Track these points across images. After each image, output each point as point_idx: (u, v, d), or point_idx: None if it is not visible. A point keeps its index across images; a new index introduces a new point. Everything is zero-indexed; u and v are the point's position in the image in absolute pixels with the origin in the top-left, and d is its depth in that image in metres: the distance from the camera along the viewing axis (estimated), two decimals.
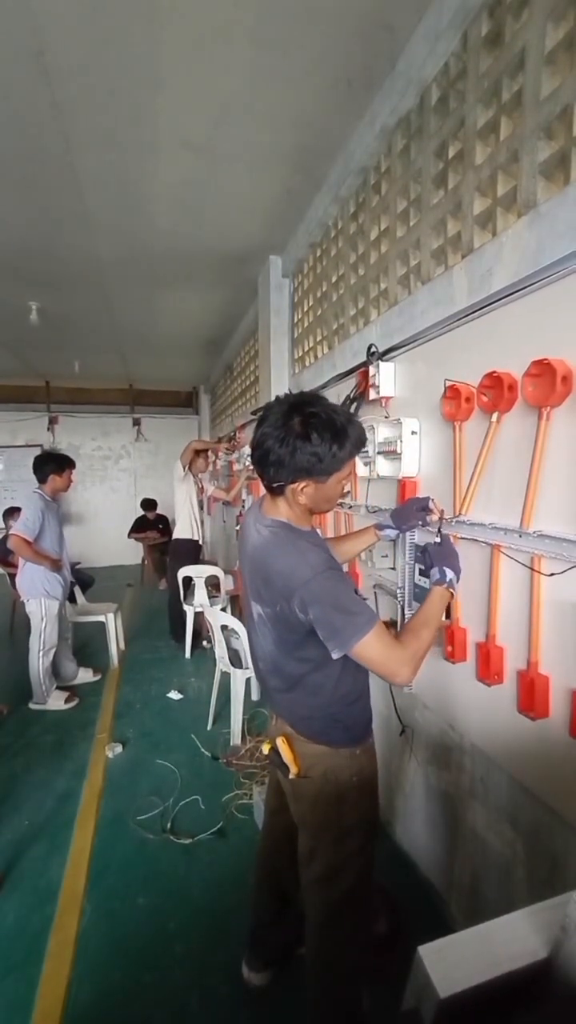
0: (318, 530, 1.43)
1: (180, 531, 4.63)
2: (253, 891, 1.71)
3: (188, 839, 2.28)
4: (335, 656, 1.16)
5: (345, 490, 1.34)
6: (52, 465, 3.57)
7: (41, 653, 3.48)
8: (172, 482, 4.69)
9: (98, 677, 3.98)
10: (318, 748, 1.33)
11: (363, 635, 1.13)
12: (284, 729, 1.39)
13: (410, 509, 1.64)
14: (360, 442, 1.26)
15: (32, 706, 3.53)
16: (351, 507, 2.47)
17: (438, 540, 1.52)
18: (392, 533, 1.66)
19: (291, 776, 1.34)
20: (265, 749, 1.43)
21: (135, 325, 5.16)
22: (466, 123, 1.62)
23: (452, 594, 1.40)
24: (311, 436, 1.16)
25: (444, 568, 1.41)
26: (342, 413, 1.23)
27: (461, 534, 1.63)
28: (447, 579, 1.40)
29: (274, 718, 1.47)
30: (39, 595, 3.47)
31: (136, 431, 8.79)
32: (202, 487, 4.80)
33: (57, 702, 3.54)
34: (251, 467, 4.23)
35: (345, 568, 1.57)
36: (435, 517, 1.60)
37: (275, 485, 1.24)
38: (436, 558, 1.44)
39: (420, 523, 1.64)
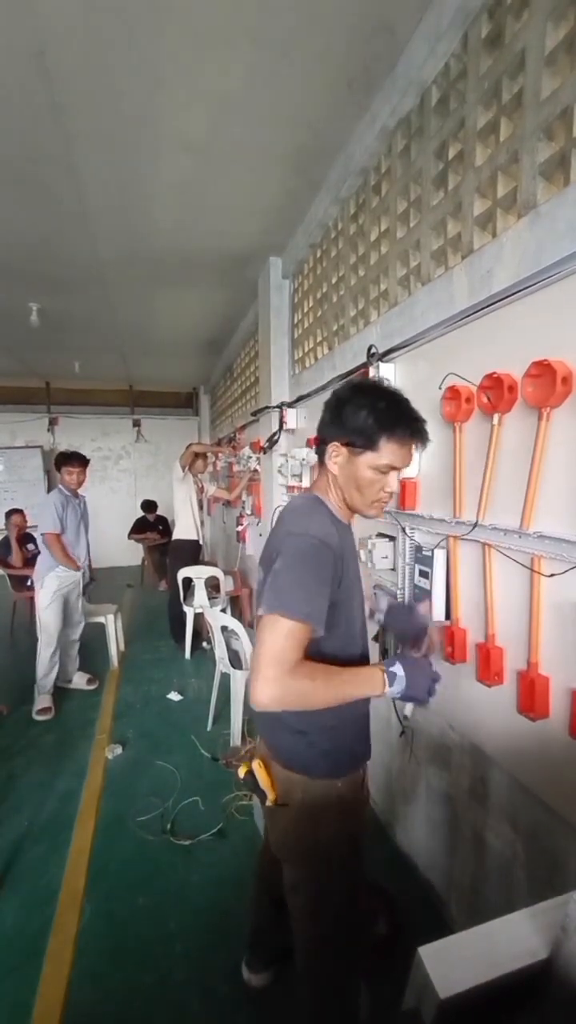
0: (353, 526, 1.29)
1: (181, 531, 4.62)
2: (253, 895, 1.70)
3: (188, 840, 2.28)
4: (258, 612, 1.05)
5: (387, 490, 1.18)
6: (60, 463, 3.66)
7: (42, 645, 3.49)
8: (171, 482, 4.69)
9: (94, 686, 3.89)
10: (295, 775, 1.22)
11: (285, 613, 1.00)
12: (262, 750, 1.31)
13: (405, 619, 1.40)
14: (405, 439, 1.14)
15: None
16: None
17: (417, 654, 1.28)
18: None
19: (268, 803, 1.25)
20: (241, 773, 1.32)
21: (135, 326, 5.16)
22: (466, 124, 1.62)
23: (382, 690, 1.10)
24: (355, 396, 1.15)
25: (400, 664, 1.12)
26: (410, 408, 1.16)
27: (461, 534, 1.63)
28: (391, 669, 1.10)
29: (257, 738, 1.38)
30: (47, 572, 3.52)
31: (136, 432, 8.79)
32: (202, 487, 4.79)
33: (34, 707, 3.49)
34: (252, 468, 4.31)
35: None
36: (425, 650, 1.30)
37: (320, 439, 1.21)
38: (407, 664, 1.12)
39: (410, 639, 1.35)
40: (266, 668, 0.98)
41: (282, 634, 1.01)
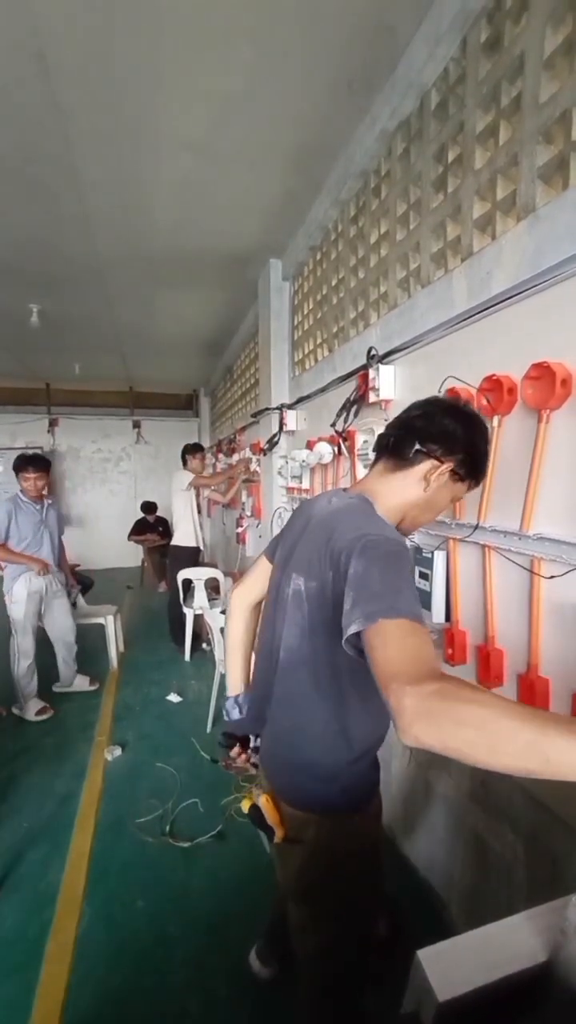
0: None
1: (181, 537, 4.62)
2: (275, 896, 1.67)
3: (187, 842, 2.28)
4: (349, 630, 0.81)
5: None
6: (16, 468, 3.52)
7: (17, 652, 3.45)
8: (171, 488, 4.70)
9: (95, 687, 3.87)
10: (309, 815, 1.09)
11: (400, 615, 0.78)
12: (266, 786, 1.19)
13: None
14: (482, 477, 1.13)
15: (14, 710, 3.50)
16: None
17: None
18: None
19: (276, 840, 1.12)
20: (244, 807, 1.18)
21: (135, 327, 5.17)
22: (465, 127, 1.62)
23: None
24: (478, 424, 1.08)
25: None
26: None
27: (461, 536, 1.63)
28: None
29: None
30: (11, 581, 3.47)
31: (136, 433, 8.80)
32: (200, 491, 4.80)
33: (29, 713, 3.47)
34: (249, 468, 4.30)
35: None
36: None
37: (415, 449, 1.05)
38: None
39: None
40: (420, 672, 0.70)
41: (421, 635, 0.77)
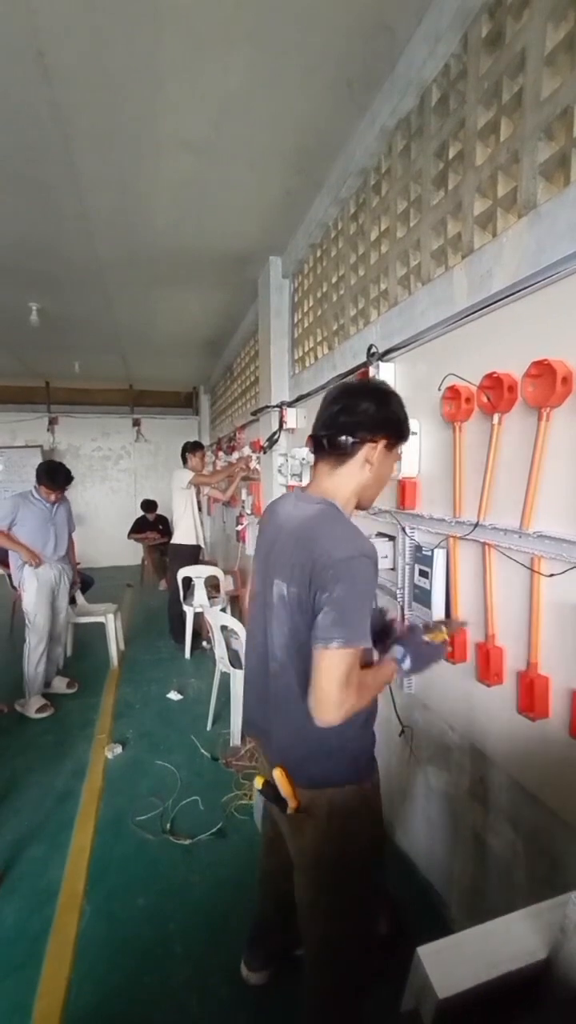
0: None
1: (181, 536, 4.62)
2: (258, 898, 1.70)
3: (188, 840, 2.28)
4: (319, 647, 1.06)
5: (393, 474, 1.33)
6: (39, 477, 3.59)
7: (29, 644, 3.48)
8: (171, 486, 4.69)
9: (73, 690, 3.82)
10: (319, 791, 1.22)
11: (354, 645, 1.06)
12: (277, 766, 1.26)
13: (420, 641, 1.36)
14: (407, 431, 1.29)
15: (17, 707, 3.50)
16: None
17: (426, 639, 1.34)
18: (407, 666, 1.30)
19: (289, 811, 1.22)
20: (258, 784, 1.30)
21: (135, 325, 5.16)
22: (466, 124, 1.62)
23: (392, 679, 1.27)
24: (381, 394, 1.22)
25: (409, 655, 1.26)
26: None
27: (461, 534, 1.63)
28: (403, 663, 1.25)
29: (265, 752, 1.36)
30: (22, 569, 3.52)
31: (136, 432, 8.80)
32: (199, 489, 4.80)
33: (30, 710, 3.47)
34: (249, 466, 4.30)
35: None
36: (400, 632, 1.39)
37: (349, 441, 1.18)
38: (412, 644, 1.29)
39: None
40: (342, 695, 1.06)
41: (350, 662, 1.07)
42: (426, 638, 1.34)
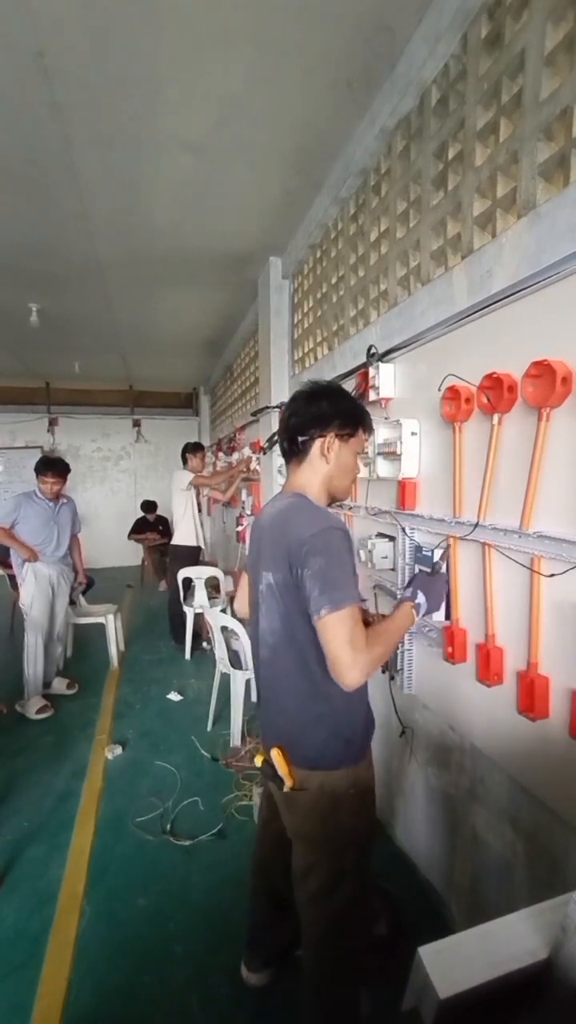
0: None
1: (182, 537, 4.62)
2: (251, 896, 1.71)
3: (188, 840, 2.28)
4: (316, 620, 1.14)
5: (359, 473, 1.42)
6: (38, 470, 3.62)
7: (29, 638, 3.49)
8: (171, 487, 4.69)
9: (73, 691, 3.81)
10: (315, 771, 1.29)
11: (345, 605, 1.13)
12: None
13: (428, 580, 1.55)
14: (367, 425, 1.39)
15: (16, 708, 3.50)
16: (351, 508, 2.47)
17: (428, 571, 1.55)
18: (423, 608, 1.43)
19: (285, 789, 1.29)
20: (258, 761, 1.38)
21: (135, 326, 5.16)
22: (466, 124, 1.62)
23: (415, 620, 1.37)
24: (328, 392, 1.33)
25: (419, 591, 1.41)
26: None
27: (461, 534, 1.63)
28: (417, 601, 1.38)
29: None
30: (22, 565, 3.54)
31: (136, 432, 8.80)
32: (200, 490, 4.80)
33: (30, 711, 3.47)
34: (249, 467, 4.30)
35: None
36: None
37: (301, 440, 1.32)
38: (420, 583, 1.46)
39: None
40: (353, 655, 1.11)
41: (350, 623, 1.13)
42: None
